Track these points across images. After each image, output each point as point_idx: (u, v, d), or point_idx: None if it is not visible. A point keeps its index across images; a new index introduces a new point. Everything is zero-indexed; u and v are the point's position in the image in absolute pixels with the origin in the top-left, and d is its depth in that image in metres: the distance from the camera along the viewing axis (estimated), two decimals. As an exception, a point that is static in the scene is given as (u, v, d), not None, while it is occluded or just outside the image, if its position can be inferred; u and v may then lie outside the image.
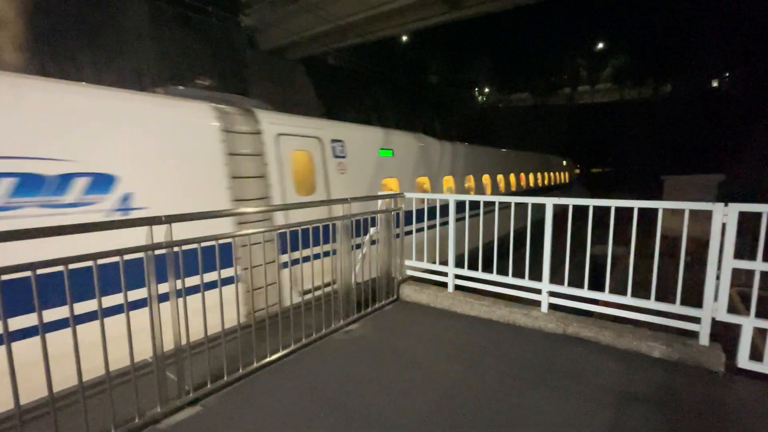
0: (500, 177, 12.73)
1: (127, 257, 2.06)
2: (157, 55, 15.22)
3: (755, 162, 18.39)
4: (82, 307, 2.38)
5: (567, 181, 23.15)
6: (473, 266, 3.99)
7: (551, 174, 19.29)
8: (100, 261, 1.97)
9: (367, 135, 6.89)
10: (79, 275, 2.06)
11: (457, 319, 3.80)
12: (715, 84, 38.75)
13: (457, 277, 4.16)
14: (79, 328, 1.91)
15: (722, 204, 2.66)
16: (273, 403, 2.48)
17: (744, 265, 2.65)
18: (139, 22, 14.68)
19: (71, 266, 1.86)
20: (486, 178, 11.83)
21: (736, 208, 2.63)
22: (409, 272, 4.60)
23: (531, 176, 16.05)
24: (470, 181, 10.72)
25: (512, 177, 13.74)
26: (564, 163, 23.42)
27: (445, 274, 4.21)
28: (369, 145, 6.69)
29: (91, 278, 1.95)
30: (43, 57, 11.70)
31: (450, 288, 4.17)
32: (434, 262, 4.28)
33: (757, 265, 2.59)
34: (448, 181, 9.47)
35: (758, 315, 2.61)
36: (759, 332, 2.70)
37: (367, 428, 2.24)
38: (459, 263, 4.13)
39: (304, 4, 17.24)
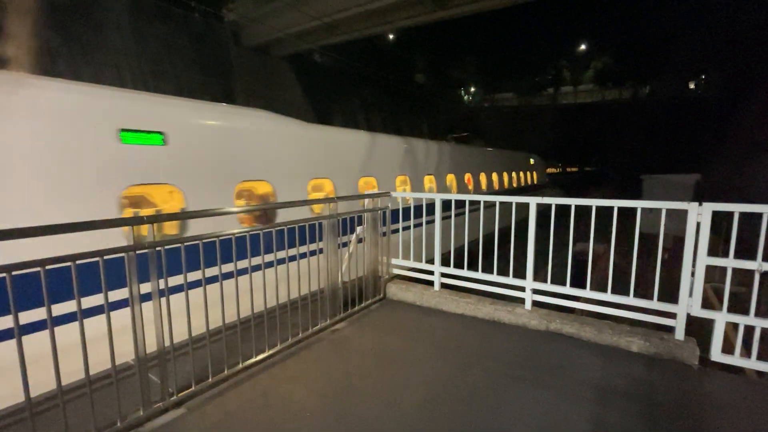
0: (429, 179, 9.42)
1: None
2: (137, 49, 14.85)
3: (729, 162, 19.09)
4: (60, 309, 2.32)
5: (535, 182, 19.26)
6: (459, 265, 4.04)
7: (511, 175, 15.82)
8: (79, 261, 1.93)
9: (65, 98, 3.65)
10: (57, 276, 2.00)
11: (443, 317, 3.84)
12: (692, 86, 40.01)
13: (443, 275, 4.20)
14: (58, 330, 1.87)
15: (697, 203, 2.76)
16: (258, 404, 2.47)
17: (717, 262, 2.76)
18: (117, 15, 14.29)
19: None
20: (402, 181, 8.56)
21: (709, 208, 2.73)
22: (396, 271, 4.62)
23: (483, 177, 12.77)
24: (373, 186, 7.58)
25: (451, 179, 10.46)
26: (531, 161, 19.17)
27: (432, 273, 4.25)
28: (77, 118, 3.62)
29: (69, 279, 1.90)
30: (16, 49, 11.28)
31: (436, 286, 4.21)
32: (420, 261, 4.32)
33: (730, 262, 2.70)
34: (327, 186, 6.59)
35: (730, 310, 2.72)
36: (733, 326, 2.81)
37: (354, 428, 2.25)
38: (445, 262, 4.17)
39: (290, 1, 17.07)
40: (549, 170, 39.33)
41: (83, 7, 13.25)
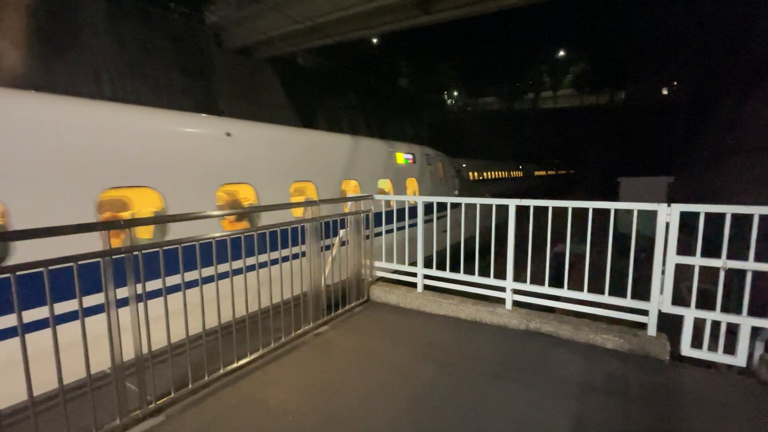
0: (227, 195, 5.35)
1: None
2: (114, 50, 14.50)
3: (700, 165, 19.90)
4: (32, 317, 2.25)
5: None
6: (441, 266, 4.09)
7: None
8: (52, 267, 1.88)
9: None
10: (31, 282, 1.95)
11: (426, 319, 3.87)
12: (665, 92, 41.58)
13: (426, 277, 4.24)
14: (29, 337, 1.81)
15: (666, 204, 2.88)
16: (240, 410, 2.44)
17: (685, 260, 2.88)
18: (94, 15, 13.92)
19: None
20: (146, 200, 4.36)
21: (678, 208, 2.85)
22: (380, 273, 4.64)
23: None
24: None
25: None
26: (399, 158, 9.01)
27: (415, 275, 4.28)
28: None
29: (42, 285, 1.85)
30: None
31: (419, 288, 4.25)
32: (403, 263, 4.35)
33: (697, 261, 2.82)
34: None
35: (706, 307, 2.83)
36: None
37: (337, 430, 2.25)
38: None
39: (272, 4, 16.98)
40: (512, 173, 35.51)
41: (58, 6, 12.86)
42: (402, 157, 9.12)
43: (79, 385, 2.37)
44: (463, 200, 3.99)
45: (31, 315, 2.37)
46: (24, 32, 11.83)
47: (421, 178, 9.57)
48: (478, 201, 3.88)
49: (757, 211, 2.60)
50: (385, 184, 8.28)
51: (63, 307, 2.31)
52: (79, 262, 1.99)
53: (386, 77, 35.46)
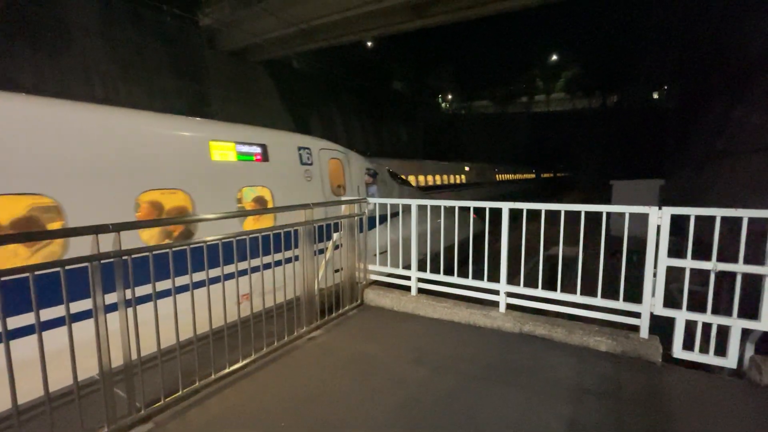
0: None
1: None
2: (106, 52, 14.39)
3: (690, 168, 20.14)
4: (17, 322, 2.21)
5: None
6: (435, 269, 4.08)
7: None
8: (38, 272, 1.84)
9: None
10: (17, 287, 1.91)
11: (419, 322, 3.86)
12: (655, 96, 42.15)
13: (420, 280, 4.23)
14: (14, 344, 1.77)
15: (657, 207, 2.90)
16: (231, 416, 2.41)
17: (677, 263, 2.90)
18: (85, 17, 13.82)
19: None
20: None
21: (668, 211, 2.88)
22: (374, 277, 4.62)
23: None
24: None
25: None
26: (243, 150, 4.66)
27: (409, 278, 4.27)
28: None
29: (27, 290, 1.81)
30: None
31: (413, 291, 4.24)
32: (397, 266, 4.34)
33: (687, 263, 2.84)
34: None
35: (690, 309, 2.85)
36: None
37: (329, 435, 2.22)
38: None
39: (266, 6, 16.97)
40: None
41: (50, 7, 12.73)
42: (230, 151, 4.78)
43: (66, 393, 2.33)
44: (457, 203, 3.99)
45: (15, 321, 2.33)
46: (17, 35, 11.69)
47: (282, 185, 5.25)
48: (472, 204, 3.89)
49: (746, 214, 2.63)
50: (172, 198, 3.90)
51: (49, 313, 2.26)
52: (67, 267, 1.95)
53: (381, 80, 35.54)
